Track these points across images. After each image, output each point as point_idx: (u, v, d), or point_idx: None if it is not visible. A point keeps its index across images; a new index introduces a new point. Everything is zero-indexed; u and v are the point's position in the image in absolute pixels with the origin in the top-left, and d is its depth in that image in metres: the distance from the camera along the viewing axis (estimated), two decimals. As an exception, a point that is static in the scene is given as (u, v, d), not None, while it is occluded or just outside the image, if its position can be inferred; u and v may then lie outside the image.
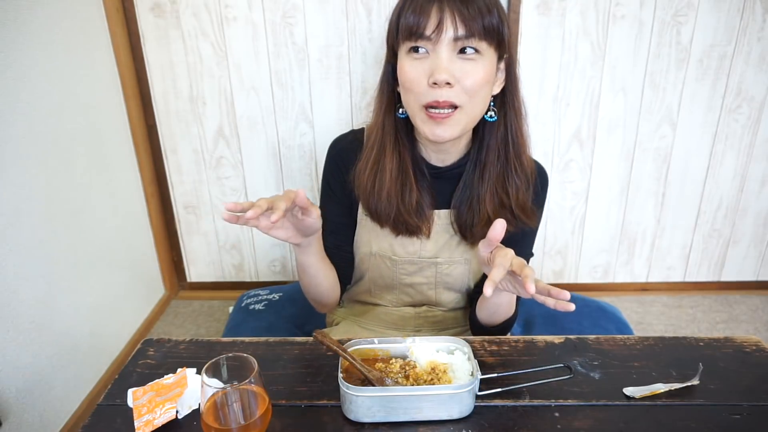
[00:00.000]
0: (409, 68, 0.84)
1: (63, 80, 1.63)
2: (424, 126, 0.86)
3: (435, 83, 0.81)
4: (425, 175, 0.96)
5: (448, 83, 0.81)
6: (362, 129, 1.02)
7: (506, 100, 0.92)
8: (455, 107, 0.83)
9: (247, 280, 2.32)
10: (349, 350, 0.76)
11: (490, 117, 0.91)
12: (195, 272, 2.34)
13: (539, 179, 1.00)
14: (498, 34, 0.82)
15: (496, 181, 0.94)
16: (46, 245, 1.53)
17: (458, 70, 0.82)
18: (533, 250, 1.10)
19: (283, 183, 2.14)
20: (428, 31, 0.80)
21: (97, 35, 1.82)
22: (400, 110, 0.93)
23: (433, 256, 1.00)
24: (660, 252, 2.22)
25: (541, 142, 2.05)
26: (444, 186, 0.97)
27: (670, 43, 1.89)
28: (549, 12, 1.86)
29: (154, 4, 1.89)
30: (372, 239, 1.01)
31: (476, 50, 0.82)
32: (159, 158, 2.12)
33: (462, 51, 0.82)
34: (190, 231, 2.25)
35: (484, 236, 0.93)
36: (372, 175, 0.94)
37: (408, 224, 0.95)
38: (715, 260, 2.24)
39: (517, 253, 1.01)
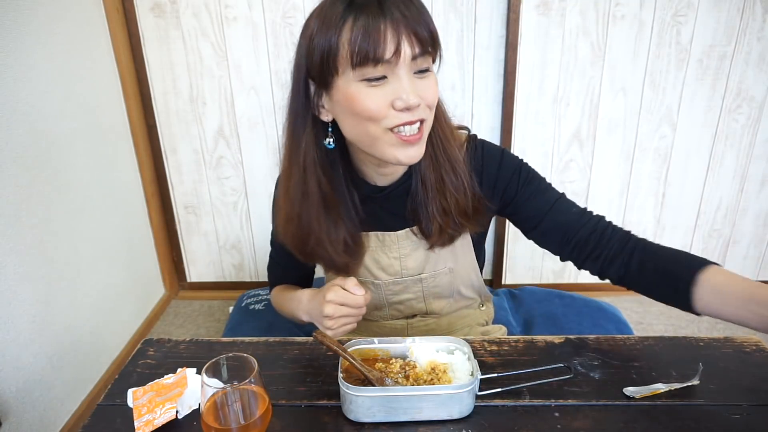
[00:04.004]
0: (367, 98, 0.75)
1: (63, 80, 1.63)
2: (393, 150, 0.78)
3: (407, 108, 0.75)
4: (357, 207, 0.90)
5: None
6: None
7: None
8: (422, 122, 0.78)
9: (247, 280, 2.32)
10: (349, 350, 0.76)
11: None
12: (195, 272, 2.34)
13: (488, 159, 0.92)
14: (438, 41, 0.78)
15: (436, 188, 0.88)
16: (46, 245, 1.53)
17: (418, 88, 0.76)
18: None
19: (283, 183, 2.14)
20: (388, 55, 0.73)
21: (97, 35, 1.82)
22: (328, 141, 0.84)
23: (416, 273, 0.97)
24: (660, 252, 2.21)
25: (541, 142, 2.05)
26: (395, 205, 0.93)
27: (670, 43, 1.89)
28: (549, 12, 1.86)
29: (154, 4, 1.89)
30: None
31: (428, 68, 0.78)
32: (159, 158, 2.12)
33: (418, 72, 0.76)
34: (190, 231, 2.25)
35: (443, 244, 0.93)
36: (297, 224, 0.88)
37: (335, 263, 0.92)
38: (715, 260, 2.22)
39: (471, 260, 1.01)
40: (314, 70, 0.78)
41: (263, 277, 2.31)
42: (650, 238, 0.89)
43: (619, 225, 0.91)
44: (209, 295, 2.33)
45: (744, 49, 1.90)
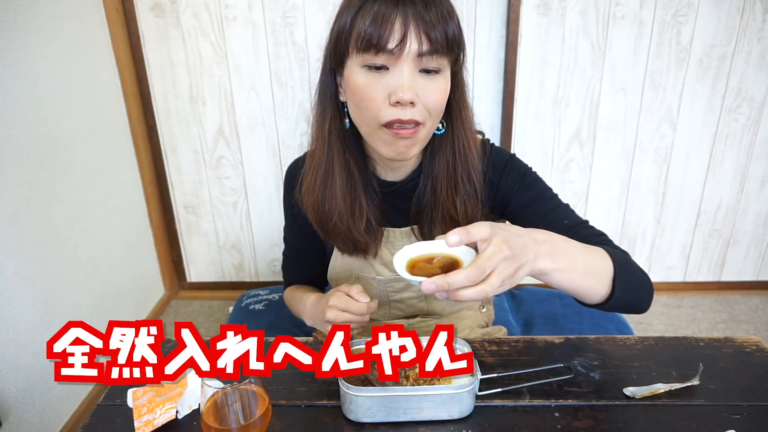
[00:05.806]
0: (365, 85, 0.75)
1: (63, 80, 1.62)
2: (385, 146, 0.79)
3: (398, 102, 0.74)
4: (376, 192, 0.91)
5: (412, 102, 0.74)
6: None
7: (452, 110, 0.85)
8: (418, 124, 0.77)
9: (247, 280, 2.32)
10: (349, 350, 0.76)
11: (439, 130, 0.86)
12: (195, 272, 2.34)
13: (493, 166, 0.92)
14: (458, 46, 0.77)
15: (446, 195, 0.88)
16: (46, 245, 1.52)
17: (421, 88, 0.75)
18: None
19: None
20: (391, 45, 0.72)
21: (97, 35, 1.82)
22: (345, 121, 0.85)
23: None
24: (660, 252, 2.22)
25: (541, 142, 2.05)
26: (401, 202, 0.93)
27: (670, 43, 1.89)
28: (549, 12, 1.86)
29: (154, 4, 1.89)
30: (350, 262, 0.98)
31: (438, 70, 0.76)
32: (159, 158, 2.12)
33: (424, 71, 0.75)
34: (190, 231, 2.25)
35: None
36: (321, 195, 0.88)
37: (357, 242, 0.91)
38: (715, 260, 2.24)
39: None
40: (331, 48, 0.80)
41: (263, 277, 2.31)
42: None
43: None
44: (209, 295, 2.33)
45: (744, 49, 1.89)
